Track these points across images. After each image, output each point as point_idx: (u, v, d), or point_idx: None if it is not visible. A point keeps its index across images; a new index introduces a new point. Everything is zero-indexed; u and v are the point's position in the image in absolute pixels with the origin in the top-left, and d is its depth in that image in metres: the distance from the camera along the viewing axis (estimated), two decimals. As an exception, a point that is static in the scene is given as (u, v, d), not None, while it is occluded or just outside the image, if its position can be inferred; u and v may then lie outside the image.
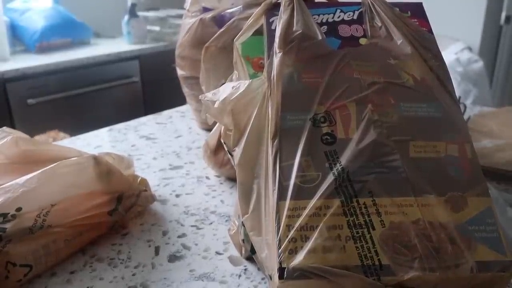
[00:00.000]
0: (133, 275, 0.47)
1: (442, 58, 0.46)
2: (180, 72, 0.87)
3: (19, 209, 0.44)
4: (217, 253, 0.51)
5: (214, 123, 0.66)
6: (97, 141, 0.84)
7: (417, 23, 0.48)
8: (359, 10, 0.48)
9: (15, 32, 2.02)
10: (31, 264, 0.45)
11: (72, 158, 0.49)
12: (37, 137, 1.47)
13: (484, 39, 2.46)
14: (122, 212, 0.54)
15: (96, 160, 0.50)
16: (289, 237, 0.35)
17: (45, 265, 0.47)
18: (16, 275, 0.44)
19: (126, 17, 2.20)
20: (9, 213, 0.43)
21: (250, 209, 0.40)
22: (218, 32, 0.67)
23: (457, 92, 0.76)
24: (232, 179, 0.68)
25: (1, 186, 0.45)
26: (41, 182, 0.46)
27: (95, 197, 0.50)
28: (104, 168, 0.51)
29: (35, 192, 0.45)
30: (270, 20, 0.47)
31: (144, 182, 0.59)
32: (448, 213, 0.37)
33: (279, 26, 0.45)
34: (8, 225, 0.43)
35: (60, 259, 0.48)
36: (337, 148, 0.39)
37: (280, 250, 0.34)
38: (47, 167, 0.47)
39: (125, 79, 2.11)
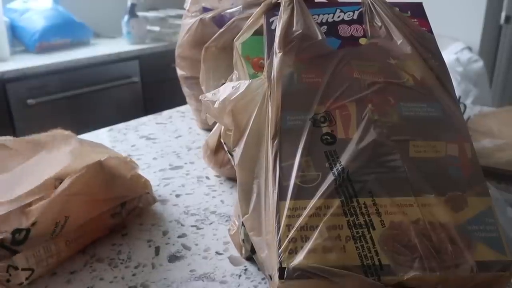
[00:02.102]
0: (133, 275, 0.47)
1: (442, 58, 0.46)
2: (180, 72, 0.87)
3: (34, 223, 0.44)
4: (217, 253, 0.51)
5: (214, 123, 0.66)
6: (97, 141, 0.84)
7: (417, 23, 0.48)
8: (359, 10, 0.48)
9: (15, 32, 2.02)
10: (33, 267, 0.45)
11: (80, 172, 0.48)
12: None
13: (484, 39, 2.46)
14: (124, 215, 0.54)
15: (102, 166, 0.50)
16: (289, 237, 0.35)
17: (47, 267, 0.47)
18: (18, 278, 0.44)
19: (126, 17, 2.20)
20: (24, 229, 0.43)
21: (250, 209, 0.40)
22: (218, 32, 0.67)
23: (457, 92, 0.76)
24: (232, 179, 0.68)
25: (13, 198, 0.45)
26: (54, 194, 0.46)
27: (101, 204, 0.50)
28: (108, 174, 0.51)
29: (49, 204, 0.45)
30: (270, 20, 0.47)
31: (147, 184, 0.59)
32: (448, 213, 0.37)
33: (279, 26, 0.45)
34: (21, 247, 0.43)
35: (61, 260, 0.48)
36: (337, 148, 0.39)
37: (280, 250, 0.34)
38: (63, 188, 0.47)
39: (125, 79, 2.11)
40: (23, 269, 0.44)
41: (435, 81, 0.44)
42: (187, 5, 0.81)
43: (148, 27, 2.30)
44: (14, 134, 1.77)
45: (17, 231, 0.43)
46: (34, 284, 0.46)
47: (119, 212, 0.53)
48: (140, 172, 0.70)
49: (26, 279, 0.44)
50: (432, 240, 0.35)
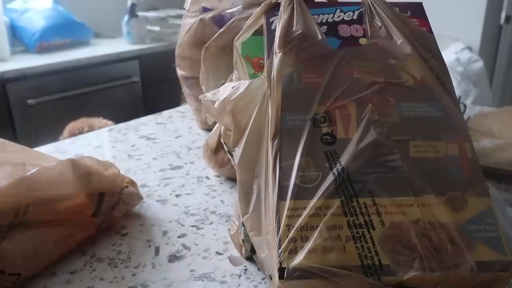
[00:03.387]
0: (133, 275, 0.47)
1: (442, 58, 0.46)
2: (180, 72, 0.87)
3: None
4: (217, 253, 0.51)
5: (214, 123, 0.66)
6: (98, 141, 0.84)
7: (417, 23, 0.48)
8: (359, 10, 0.48)
9: (15, 32, 2.03)
10: (20, 272, 0.44)
11: (50, 164, 0.48)
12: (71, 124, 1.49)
13: (484, 39, 2.46)
14: (107, 211, 0.53)
15: (74, 163, 0.49)
16: (289, 237, 0.35)
17: (36, 268, 0.46)
18: (4, 283, 0.43)
19: (126, 17, 2.21)
20: None
21: (250, 209, 0.40)
22: (218, 32, 0.67)
23: (457, 92, 0.76)
24: (232, 179, 0.68)
25: None
26: (18, 187, 0.45)
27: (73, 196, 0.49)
28: (83, 170, 0.50)
29: (13, 195, 0.44)
30: (270, 20, 0.47)
31: (131, 182, 0.58)
32: (448, 213, 0.37)
33: (279, 26, 0.45)
34: None
35: (50, 261, 0.48)
36: (337, 148, 0.39)
37: (280, 250, 0.34)
38: (28, 174, 0.46)
39: (125, 79, 2.11)
40: (9, 275, 0.44)
41: (435, 81, 0.44)
42: (187, 5, 0.81)
43: (148, 27, 2.31)
44: (14, 134, 1.77)
45: None
46: (33, 285, 0.46)
47: (99, 208, 0.51)
48: (140, 172, 0.71)
49: (13, 283, 0.44)
50: (432, 240, 0.35)
